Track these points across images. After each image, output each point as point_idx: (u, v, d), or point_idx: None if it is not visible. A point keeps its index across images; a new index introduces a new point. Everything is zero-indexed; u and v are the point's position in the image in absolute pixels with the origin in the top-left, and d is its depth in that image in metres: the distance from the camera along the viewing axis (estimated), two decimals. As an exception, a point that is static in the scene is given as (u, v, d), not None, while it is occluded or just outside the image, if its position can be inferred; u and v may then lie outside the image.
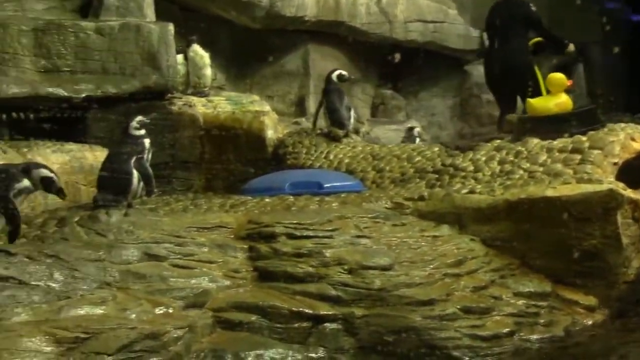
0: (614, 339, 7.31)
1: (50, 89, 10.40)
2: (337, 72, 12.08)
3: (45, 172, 6.69)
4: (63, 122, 9.81)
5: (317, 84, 14.98)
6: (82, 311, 6.16)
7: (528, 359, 6.85)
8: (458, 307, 7.05)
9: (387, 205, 8.46)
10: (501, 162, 8.95)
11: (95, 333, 5.90)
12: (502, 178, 8.55)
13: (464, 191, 8.47)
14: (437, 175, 9.34)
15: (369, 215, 8.05)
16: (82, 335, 5.84)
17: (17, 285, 6.12)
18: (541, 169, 8.43)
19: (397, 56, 15.88)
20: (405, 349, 6.72)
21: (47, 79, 10.52)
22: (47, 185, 6.75)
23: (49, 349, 5.67)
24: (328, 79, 12.06)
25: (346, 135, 11.44)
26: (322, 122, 11.83)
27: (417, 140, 13.60)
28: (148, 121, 8.38)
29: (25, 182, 6.57)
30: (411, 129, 14.59)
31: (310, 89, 14.89)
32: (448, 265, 7.50)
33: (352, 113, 11.93)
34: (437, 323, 6.86)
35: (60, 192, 6.90)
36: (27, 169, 6.69)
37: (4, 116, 9.32)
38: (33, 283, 6.20)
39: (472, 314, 7.07)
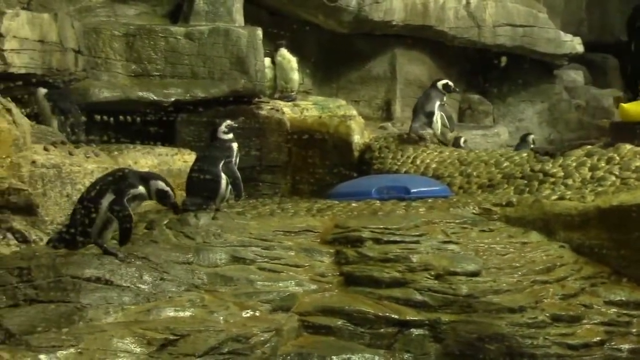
0: None
1: (141, 93, 10.58)
2: (443, 82, 12.02)
3: (162, 185, 6.79)
4: (152, 126, 9.93)
5: (403, 88, 14.97)
6: (170, 313, 6.25)
7: (620, 367, 6.75)
8: (547, 314, 6.97)
9: (474, 211, 8.41)
10: (592, 169, 8.82)
11: (183, 335, 5.98)
12: (593, 184, 8.43)
13: (554, 197, 8.38)
14: (525, 181, 9.26)
15: (457, 221, 8.01)
16: (171, 337, 5.92)
17: (108, 287, 6.22)
18: (634, 175, 8.29)
19: (504, 59, 15.76)
20: (492, 356, 6.68)
21: (137, 83, 10.71)
22: (162, 197, 6.83)
23: (139, 349, 5.76)
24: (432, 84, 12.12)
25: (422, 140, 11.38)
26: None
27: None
28: (236, 125, 8.44)
29: (141, 189, 6.68)
30: (526, 135, 14.47)
31: (397, 93, 14.84)
32: (537, 272, 7.42)
33: (437, 119, 11.80)
34: (525, 331, 6.79)
35: (175, 207, 7.00)
36: (146, 178, 6.82)
37: (96, 120, 9.47)
38: (123, 285, 6.31)
39: (561, 322, 6.99)
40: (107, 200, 6.51)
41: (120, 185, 6.62)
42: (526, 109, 16.22)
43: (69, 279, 6.07)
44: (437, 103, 11.83)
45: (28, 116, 8.05)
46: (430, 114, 11.76)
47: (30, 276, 5.96)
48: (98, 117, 9.40)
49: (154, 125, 10.01)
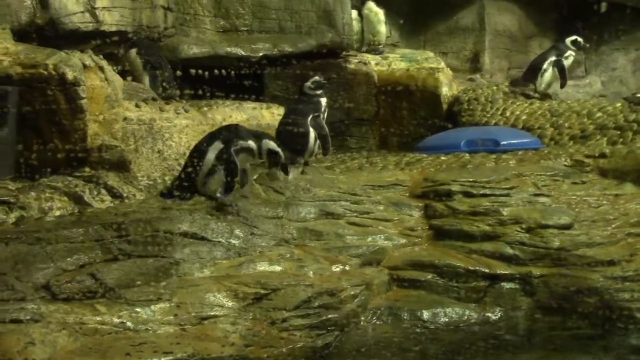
0: None
1: (229, 49, 10.62)
2: (571, 38, 11.95)
3: (273, 145, 6.85)
4: (241, 81, 9.97)
5: (492, 39, 14.77)
6: (261, 267, 6.31)
7: None
8: (643, 268, 6.86)
9: (566, 163, 8.30)
10: (689, 116, 8.63)
11: (274, 289, 6.04)
12: (689, 134, 8.24)
13: (650, 148, 8.23)
14: (619, 132, 9.10)
15: (548, 173, 7.92)
16: (262, 291, 5.99)
17: (199, 242, 6.29)
18: None
19: (604, 5, 15.36)
20: (585, 309, 6.59)
21: (226, 38, 10.74)
22: (273, 158, 6.91)
23: (230, 303, 5.84)
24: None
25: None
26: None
27: None
28: (324, 81, 8.42)
29: (250, 143, 6.75)
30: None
31: (485, 44, 14.66)
32: (631, 225, 7.30)
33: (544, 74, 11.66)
34: (619, 284, 6.70)
35: (284, 168, 7.06)
36: (259, 136, 6.91)
37: (186, 76, 9.54)
38: (214, 239, 6.37)
39: (657, 275, 6.87)
40: (215, 149, 6.63)
41: (230, 136, 6.72)
42: (620, 58, 15.84)
43: (163, 234, 6.15)
44: (551, 59, 11.68)
45: (120, 73, 8.12)
46: (537, 69, 11.63)
47: (125, 231, 6.03)
48: (188, 73, 9.48)
49: (242, 80, 10.04)
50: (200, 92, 9.38)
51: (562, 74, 11.76)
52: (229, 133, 6.76)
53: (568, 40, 11.91)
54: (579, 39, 11.92)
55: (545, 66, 11.65)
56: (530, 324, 6.58)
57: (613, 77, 15.64)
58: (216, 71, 9.80)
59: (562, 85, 11.90)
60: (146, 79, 9.34)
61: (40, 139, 7.06)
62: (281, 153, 6.88)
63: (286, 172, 7.14)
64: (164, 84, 9.37)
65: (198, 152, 6.72)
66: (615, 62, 15.83)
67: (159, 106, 8.46)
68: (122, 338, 5.29)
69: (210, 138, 6.77)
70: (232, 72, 9.93)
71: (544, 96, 11.46)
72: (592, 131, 9.34)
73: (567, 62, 11.90)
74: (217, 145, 6.64)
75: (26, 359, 4.87)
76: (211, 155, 6.62)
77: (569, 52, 11.89)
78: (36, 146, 7.05)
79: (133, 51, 9.36)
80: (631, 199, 7.62)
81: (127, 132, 7.63)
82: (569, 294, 6.67)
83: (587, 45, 12.51)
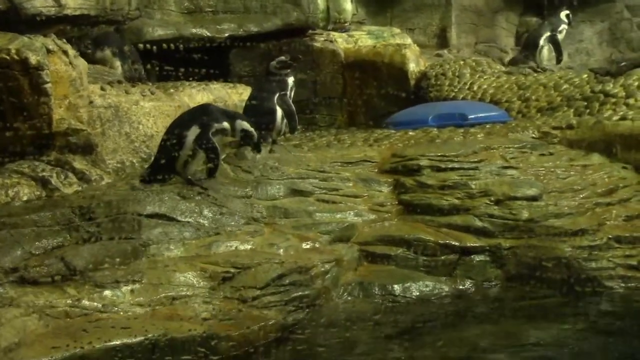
0: None
1: (194, 30, 10.58)
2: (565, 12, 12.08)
3: (247, 126, 6.91)
4: (207, 62, 9.94)
5: (459, 14, 14.76)
6: (231, 246, 6.32)
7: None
8: (610, 237, 6.93)
9: (534, 135, 8.35)
10: (655, 87, 8.69)
11: (244, 268, 6.05)
12: (656, 104, 8.30)
13: (615, 118, 8.28)
14: (586, 103, 9.16)
15: (516, 146, 7.96)
16: (232, 270, 6.00)
17: (168, 222, 6.29)
18: (697, 94, 8.16)
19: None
20: (555, 280, 6.66)
21: (190, 20, 10.70)
22: (247, 137, 6.97)
23: (201, 283, 5.85)
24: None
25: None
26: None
27: None
28: (290, 61, 8.42)
29: (225, 125, 6.80)
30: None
31: (452, 20, 14.63)
32: (599, 195, 7.37)
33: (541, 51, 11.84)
34: (587, 253, 6.77)
35: (257, 147, 7.12)
36: (233, 116, 6.97)
37: (151, 58, 9.51)
38: (183, 220, 6.37)
39: (625, 243, 6.94)
40: (193, 133, 6.64)
41: (206, 119, 6.75)
42: (585, 30, 15.90)
43: (131, 216, 6.14)
44: (546, 34, 11.82)
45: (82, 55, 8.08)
46: (534, 46, 11.76)
47: (94, 214, 6.03)
48: (152, 56, 9.45)
49: (208, 61, 10.01)
50: (166, 74, 9.36)
51: (558, 48, 11.88)
52: (205, 116, 6.78)
53: (562, 14, 12.01)
54: (570, 14, 12.05)
55: (542, 42, 11.77)
56: (501, 295, 6.63)
57: (579, 49, 15.69)
58: (182, 53, 9.78)
59: (559, 61, 12.01)
60: (117, 64, 9.32)
61: (4, 124, 7.01)
62: (254, 132, 6.92)
63: (259, 151, 7.16)
64: (134, 68, 9.34)
65: (176, 137, 6.70)
66: (581, 35, 15.88)
67: (125, 89, 8.45)
68: (93, 320, 5.28)
69: (187, 122, 6.77)
70: (198, 53, 9.91)
71: (544, 70, 11.55)
72: (559, 103, 9.40)
73: (561, 37, 12.02)
74: (195, 130, 6.66)
75: (-4, 343, 4.89)
76: (190, 140, 6.63)
77: (562, 26, 11.98)
78: (1, 131, 7.01)
79: (108, 52, 9.32)
80: (598, 169, 7.67)
81: (93, 116, 7.61)
82: (538, 265, 6.72)
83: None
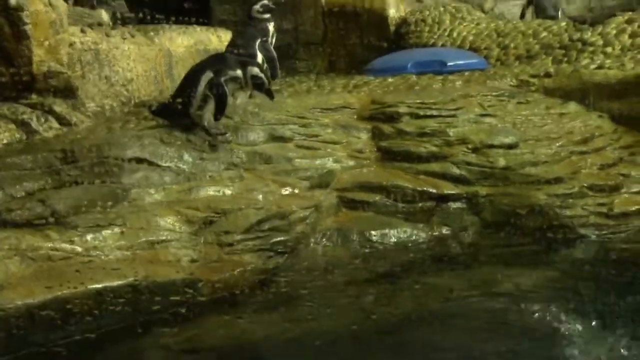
0: None
1: (175, -27, 10.51)
2: None
3: (257, 72, 6.92)
4: (187, 4, 9.88)
5: (440, -42, 14.67)
6: (211, 192, 6.34)
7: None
8: (585, 185, 7.00)
9: (511, 83, 8.39)
10: (633, 35, 8.70)
11: (224, 213, 6.09)
12: (633, 52, 8.32)
13: (593, 66, 8.32)
14: (564, 51, 9.17)
15: (494, 94, 8.00)
16: (212, 215, 6.04)
17: (149, 167, 6.30)
18: (675, 42, 8.19)
19: None
20: (530, 227, 6.73)
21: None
22: (257, 84, 6.98)
23: (181, 228, 5.88)
24: None
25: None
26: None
27: None
28: (272, 5, 8.38)
29: (238, 72, 6.82)
30: None
31: (432, -36, 14.59)
32: (575, 143, 7.43)
33: None
34: (562, 201, 6.84)
35: (269, 93, 7.10)
36: (244, 63, 6.97)
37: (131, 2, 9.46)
38: (164, 165, 6.38)
39: (599, 192, 7.02)
40: (206, 77, 6.68)
41: (220, 66, 6.81)
42: (565, -23, 15.91)
43: (112, 160, 6.14)
44: None
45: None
46: None
47: (74, 158, 6.02)
48: (133, -1, 9.40)
49: (188, 3, 9.96)
50: (146, 16, 9.31)
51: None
52: (220, 63, 6.84)
53: None
54: None
55: None
56: (477, 241, 6.69)
57: (558, -3, 15.68)
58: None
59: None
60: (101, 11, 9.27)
61: (-17, 66, 7.02)
62: (265, 78, 6.94)
63: (271, 97, 7.14)
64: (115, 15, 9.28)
65: (191, 80, 6.77)
66: (560, -18, 15.87)
67: (105, 31, 8.38)
68: (74, 263, 5.32)
69: (202, 67, 6.83)
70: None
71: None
72: (537, 51, 9.42)
73: None
74: (208, 75, 6.69)
75: (-23, 286, 4.92)
76: (202, 84, 6.66)
77: None
78: (-20, 73, 7.01)
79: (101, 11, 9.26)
80: (575, 118, 7.73)
81: (74, 58, 7.57)
82: (514, 212, 6.78)
83: None
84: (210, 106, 6.71)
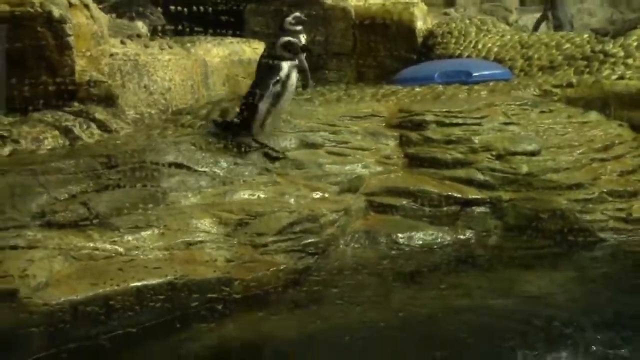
0: None
1: (211, -13, 10.58)
2: None
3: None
4: (222, 17, 9.94)
5: (465, -26, 14.72)
6: (245, 195, 6.42)
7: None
8: (604, 190, 7.04)
9: (535, 93, 8.41)
10: (654, 47, 8.70)
11: (257, 215, 6.18)
12: (654, 63, 8.33)
13: (614, 77, 8.33)
14: (586, 62, 9.16)
15: (517, 103, 8.02)
16: (246, 217, 6.12)
17: (185, 171, 6.39)
18: (693, 54, 8.19)
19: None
20: (551, 230, 6.78)
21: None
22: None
23: (216, 229, 5.97)
24: None
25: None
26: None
27: None
28: (304, 17, 8.43)
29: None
30: None
31: (459, -22, 14.63)
32: (595, 151, 7.46)
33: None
34: (582, 206, 6.88)
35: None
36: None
37: (170, 12, 9.53)
38: (200, 169, 6.47)
39: (618, 197, 7.05)
40: (269, 97, 6.84)
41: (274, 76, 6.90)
42: (587, -9, 15.88)
43: (151, 165, 6.23)
44: None
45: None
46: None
47: (115, 162, 6.10)
48: (172, 10, 9.46)
49: (223, 16, 10.02)
50: (184, 27, 9.39)
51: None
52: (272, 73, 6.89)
53: None
54: None
55: None
56: (500, 244, 6.74)
57: (581, 10, 15.65)
58: (199, 7, 9.78)
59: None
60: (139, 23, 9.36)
61: (30, 75, 7.08)
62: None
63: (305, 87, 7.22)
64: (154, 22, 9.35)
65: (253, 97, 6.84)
66: (583, -5, 15.86)
67: (144, 42, 8.48)
68: (116, 262, 5.42)
69: (264, 85, 6.85)
70: (214, 8, 9.93)
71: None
72: (560, 62, 9.41)
73: None
74: (271, 93, 6.83)
75: (25, 283, 4.98)
76: (266, 104, 6.80)
77: None
78: (26, 82, 7.07)
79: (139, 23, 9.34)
80: (595, 126, 7.75)
81: (114, 68, 7.65)
82: (536, 216, 6.84)
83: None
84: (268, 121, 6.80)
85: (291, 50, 6.82)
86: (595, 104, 8.02)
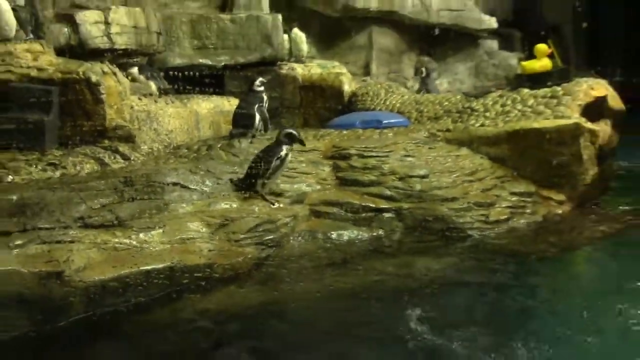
0: (575, 221, 7.35)
1: (201, 60, 10.50)
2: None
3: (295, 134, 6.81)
4: (209, 81, 9.90)
5: (378, 53, 14.75)
6: (224, 205, 6.35)
7: (518, 235, 6.89)
8: (472, 202, 7.08)
9: (425, 135, 8.41)
10: (502, 105, 8.74)
11: (233, 220, 6.12)
12: (503, 116, 8.40)
13: (477, 125, 8.38)
14: (459, 115, 9.18)
15: (413, 142, 8.01)
16: (224, 221, 6.07)
17: (182, 188, 6.32)
18: (530, 109, 8.26)
19: (436, 31, 15.39)
20: (436, 229, 6.81)
21: (199, 53, 10.61)
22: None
23: (203, 229, 5.92)
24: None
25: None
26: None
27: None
28: (265, 81, 8.45)
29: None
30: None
31: (373, 57, 14.61)
32: (465, 174, 7.48)
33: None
34: (457, 213, 6.93)
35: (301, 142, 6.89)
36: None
37: (171, 79, 9.48)
38: (192, 187, 6.40)
39: (481, 207, 7.10)
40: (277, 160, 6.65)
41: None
42: (460, 67, 16.02)
43: (157, 184, 6.16)
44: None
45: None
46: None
47: (132, 182, 6.03)
48: (171, 78, 9.43)
49: (210, 81, 9.98)
50: (181, 89, 9.34)
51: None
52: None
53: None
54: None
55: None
56: (401, 239, 6.74)
57: (455, 79, 15.81)
58: (192, 75, 9.75)
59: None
60: (152, 85, 9.26)
61: (74, 121, 7.02)
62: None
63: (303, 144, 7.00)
64: (160, 88, 9.24)
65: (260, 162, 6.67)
66: (456, 70, 15.99)
67: (154, 99, 8.43)
68: (132, 252, 5.36)
69: (273, 153, 6.68)
70: (203, 76, 9.91)
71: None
72: (441, 114, 9.42)
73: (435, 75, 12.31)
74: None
75: (69, 267, 4.93)
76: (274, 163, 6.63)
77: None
78: (71, 126, 7.01)
79: (134, 70, 9.21)
80: (465, 158, 7.77)
81: (133, 116, 7.56)
82: (426, 220, 6.86)
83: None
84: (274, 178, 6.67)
85: (291, 140, 6.70)
86: (465, 143, 8.05)
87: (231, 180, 6.72)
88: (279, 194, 6.81)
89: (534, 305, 5.24)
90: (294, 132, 6.82)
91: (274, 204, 6.57)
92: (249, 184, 6.64)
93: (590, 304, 5.14)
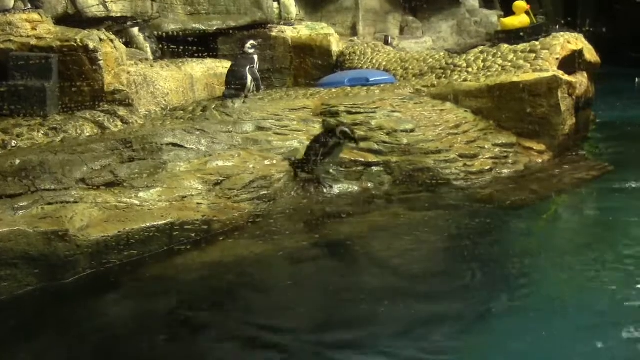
0: (555, 169, 7.31)
1: (194, 25, 10.29)
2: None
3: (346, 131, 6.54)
4: (202, 45, 9.74)
5: (364, 14, 14.54)
6: (220, 163, 6.28)
7: (501, 184, 6.84)
8: (457, 154, 7.03)
9: (410, 91, 8.34)
10: (484, 61, 8.66)
11: (228, 176, 6.06)
12: (485, 71, 8.32)
13: (460, 80, 8.30)
14: (442, 71, 9.11)
15: (399, 98, 7.95)
16: (220, 178, 6.01)
17: (179, 148, 6.24)
18: (509, 64, 8.18)
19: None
20: (423, 181, 6.77)
21: (192, 18, 10.40)
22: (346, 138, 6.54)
23: (200, 187, 5.85)
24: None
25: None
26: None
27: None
28: (256, 43, 8.31)
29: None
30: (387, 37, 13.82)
31: (360, 18, 14.42)
32: (450, 128, 7.43)
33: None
34: (443, 164, 6.88)
35: (355, 141, 6.62)
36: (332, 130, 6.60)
37: (166, 44, 9.32)
38: (188, 147, 6.31)
39: (465, 158, 7.05)
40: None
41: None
42: (443, 25, 15.80)
43: (155, 144, 6.08)
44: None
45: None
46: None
47: (131, 144, 5.95)
48: (166, 42, 9.27)
49: (203, 45, 9.83)
50: (175, 53, 9.19)
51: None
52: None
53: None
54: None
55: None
56: (390, 191, 6.68)
57: (439, 37, 15.60)
58: (186, 39, 9.61)
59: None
60: (147, 48, 9.09)
61: (74, 87, 6.92)
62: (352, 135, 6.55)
63: (357, 144, 6.73)
64: (155, 51, 9.10)
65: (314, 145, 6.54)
66: (440, 28, 15.80)
67: (150, 64, 8.29)
68: (132, 211, 5.29)
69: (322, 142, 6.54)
70: (197, 40, 9.75)
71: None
72: (426, 71, 9.34)
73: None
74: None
75: (73, 226, 4.87)
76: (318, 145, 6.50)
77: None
78: (72, 91, 6.91)
79: (135, 30, 9.05)
80: (450, 112, 7.72)
81: (130, 81, 7.46)
82: (413, 172, 6.81)
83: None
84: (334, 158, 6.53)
85: (345, 137, 6.47)
86: (449, 97, 7.98)
87: (289, 159, 6.58)
88: (270, 150, 6.72)
89: (512, 249, 5.25)
90: (348, 130, 6.54)
91: (329, 187, 6.47)
92: (307, 166, 6.48)
93: (565, 246, 5.23)
